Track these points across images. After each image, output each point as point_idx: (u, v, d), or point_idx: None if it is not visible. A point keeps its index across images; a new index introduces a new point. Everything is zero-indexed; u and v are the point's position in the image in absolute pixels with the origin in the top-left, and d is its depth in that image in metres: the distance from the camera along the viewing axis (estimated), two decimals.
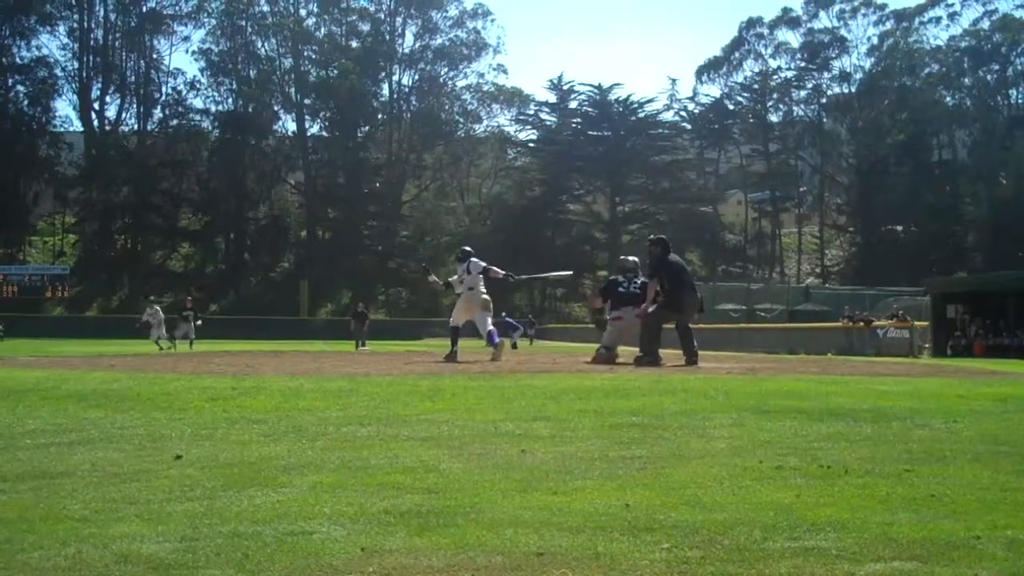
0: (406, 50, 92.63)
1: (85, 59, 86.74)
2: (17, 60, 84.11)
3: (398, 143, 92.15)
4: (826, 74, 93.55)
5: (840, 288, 55.55)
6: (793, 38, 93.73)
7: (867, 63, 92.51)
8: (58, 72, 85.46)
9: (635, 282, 16.25)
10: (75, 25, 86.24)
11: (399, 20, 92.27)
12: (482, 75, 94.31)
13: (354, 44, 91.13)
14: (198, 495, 4.86)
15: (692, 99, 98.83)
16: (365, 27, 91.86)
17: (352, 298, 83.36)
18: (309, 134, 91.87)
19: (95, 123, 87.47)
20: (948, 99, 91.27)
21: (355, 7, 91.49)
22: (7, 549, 3.80)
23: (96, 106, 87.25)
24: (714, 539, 3.90)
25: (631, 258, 17.43)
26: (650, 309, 15.33)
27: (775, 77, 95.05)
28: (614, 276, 16.86)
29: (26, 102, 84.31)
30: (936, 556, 3.67)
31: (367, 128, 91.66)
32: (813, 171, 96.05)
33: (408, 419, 7.81)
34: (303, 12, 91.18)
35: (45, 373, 12.12)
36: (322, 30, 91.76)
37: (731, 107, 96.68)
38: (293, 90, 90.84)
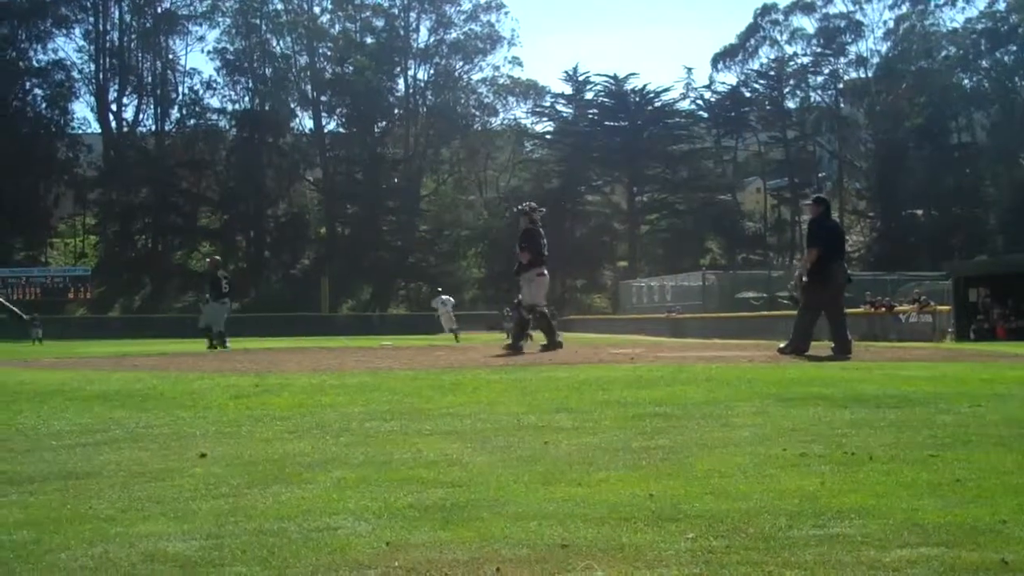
0: (421, 45, 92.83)
1: (101, 61, 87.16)
2: (34, 63, 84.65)
3: (415, 138, 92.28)
4: (842, 59, 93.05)
5: (861, 274, 55.31)
6: (808, 24, 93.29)
7: (883, 47, 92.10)
8: (75, 74, 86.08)
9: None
10: (91, 27, 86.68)
11: (413, 15, 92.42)
12: (497, 68, 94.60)
13: (369, 40, 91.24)
14: (223, 493, 4.88)
15: (708, 87, 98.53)
16: (379, 23, 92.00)
17: (373, 294, 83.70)
18: (326, 131, 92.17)
19: (113, 124, 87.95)
20: (966, 81, 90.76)
21: (369, 3, 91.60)
22: (35, 549, 3.82)
23: (113, 107, 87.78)
24: (739, 528, 3.90)
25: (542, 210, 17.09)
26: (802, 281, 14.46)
27: (791, 63, 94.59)
28: (534, 226, 16.01)
29: (44, 105, 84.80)
30: (962, 541, 3.66)
31: (384, 124, 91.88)
32: (831, 157, 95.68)
33: (431, 413, 7.82)
34: (317, 9, 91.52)
35: (69, 374, 12.17)
36: (336, 27, 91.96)
37: (748, 94, 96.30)
38: (309, 87, 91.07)
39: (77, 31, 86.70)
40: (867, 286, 44.26)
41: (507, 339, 18.25)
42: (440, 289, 43.07)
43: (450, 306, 38.19)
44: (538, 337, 16.93)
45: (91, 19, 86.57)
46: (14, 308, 10.53)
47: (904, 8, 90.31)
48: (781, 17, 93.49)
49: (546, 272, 16.35)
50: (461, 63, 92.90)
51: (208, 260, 25.69)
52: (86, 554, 3.74)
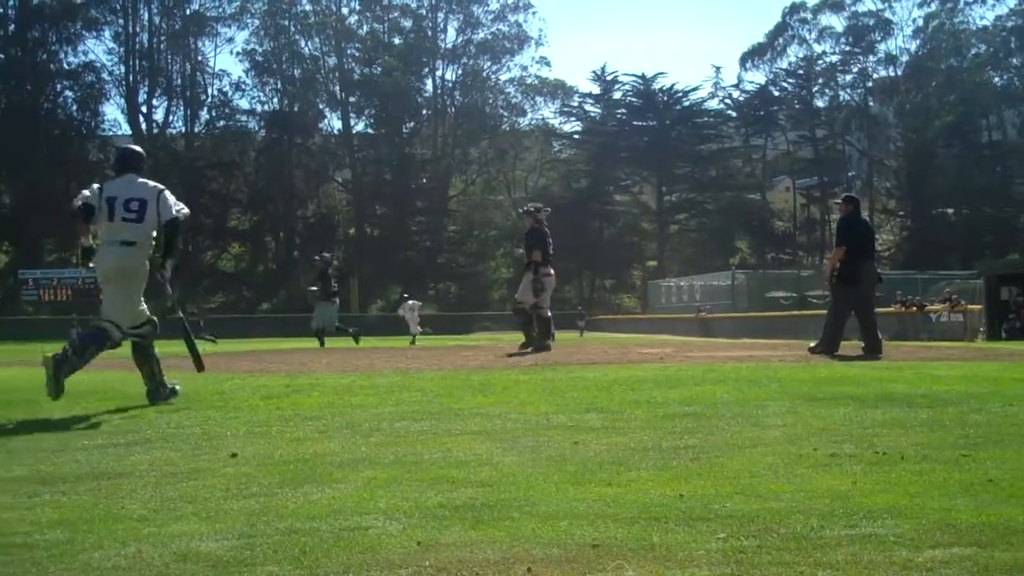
0: (448, 45, 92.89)
1: (131, 63, 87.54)
2: (65, 66, 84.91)
3: (443, 138, 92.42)
4: (871, 57, 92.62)
5: (892, 273, 54.97)
6: (837, 22, 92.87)
7: (913, 45, 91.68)
8: (105, 76, 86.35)
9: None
10: (120, 30, 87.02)
11: (440, 15, 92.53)
12: (525, 68, 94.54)
13: (396, 41, 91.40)
14: (254, 492, 4.90)
15: (737, 86, 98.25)
16: (407, 23, 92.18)
17: (402, 294, 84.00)
18: (355, 132, 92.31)
19: (143, 126, 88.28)
20: (996, 79, 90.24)
21: (396, 4, 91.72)
22: (68, 549, 3.85)
23: (144, 109, 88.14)
24: (770, 528, 3.89)
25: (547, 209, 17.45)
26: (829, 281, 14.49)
27: (820, 62, 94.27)
28: (539, 225, 16.62)
29: (75, 107, 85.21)
30: (995, 541, 3.64)
31: (412, 124, 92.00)
32: (861, 155, 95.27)
33: (460, 413, 7.82)
34: (345, 10, 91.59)
35: (101, 374, 12.23)
36: (364, 28, 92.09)
37: (776, 93, 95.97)
38: (337, 88, 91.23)
39: (107, 33, 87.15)
40: (898, 285, 44.05)
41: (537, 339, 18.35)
42: (407, 295, 43.84)
43: (417, 310, 38.67)
44: (516, 337, 17.08)
45: (120, 21, 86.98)
46: (191, 333, 11.22)
47: (933, 6, 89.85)
48: (810, 16, 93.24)
49: (552, 272, 16.66)
50: (489, 63, 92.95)
51: (316, 258, 25.40)
52: (119, 554, 3.76)
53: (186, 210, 9.63)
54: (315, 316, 25.09)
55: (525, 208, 17.53)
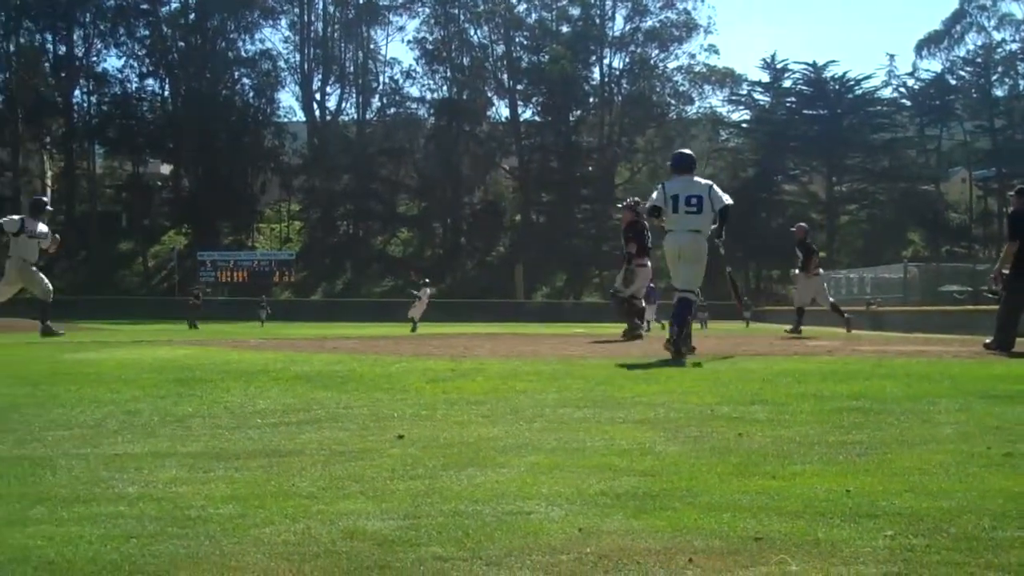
0: (616, 33, 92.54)
1: (306, 51, 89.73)
2: (242, 53, 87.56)
3: (610, 126, 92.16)
4: None
5: None
6: (1017, 9, 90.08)
7: None
8: (281, 64, 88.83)
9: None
10: (296, 19, 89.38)
11: (609, 3, 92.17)
12: (693, 56, 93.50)
13: (564, 29, 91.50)
14: (420, 474, 4.98)
15: (912, 75, 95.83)
16: (575, 11, 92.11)
17: (567, 281, 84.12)
18: (522, 119, 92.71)
19: (317, 113, 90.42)
20: None
21: None
22: (240, 524, 3.97)
23: (317, 96, 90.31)
24: (940, 527, 3.79)
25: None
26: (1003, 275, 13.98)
27: (999, 50, 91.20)
28: (638, 218, 17.02)
29: (252, 94, 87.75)
30: None
31: (579, 112, 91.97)
32: None
33: (623, 402, 7.80)
34: None
35: (274, 355, 12.55)
36: (533, 16, 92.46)
37: (953, 82, 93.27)
38: (505, 76, 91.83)
39: (283, 22, 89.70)
40: None
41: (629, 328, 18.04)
42: (427, 280, 43.66)
43: (426, 296, 39.00)
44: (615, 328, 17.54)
45: (296, 10, 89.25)
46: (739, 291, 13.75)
47: None
48: (989, 2, 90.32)
49: (648, 263, 17.54)
50: (657, 51, 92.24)
51: (795, 228, 23.82)
52: (289, 530, 3.87)
53: (729, 199, 12.31)
54: (796, 291, 23.60)
55: (625, 202, 18.36)
